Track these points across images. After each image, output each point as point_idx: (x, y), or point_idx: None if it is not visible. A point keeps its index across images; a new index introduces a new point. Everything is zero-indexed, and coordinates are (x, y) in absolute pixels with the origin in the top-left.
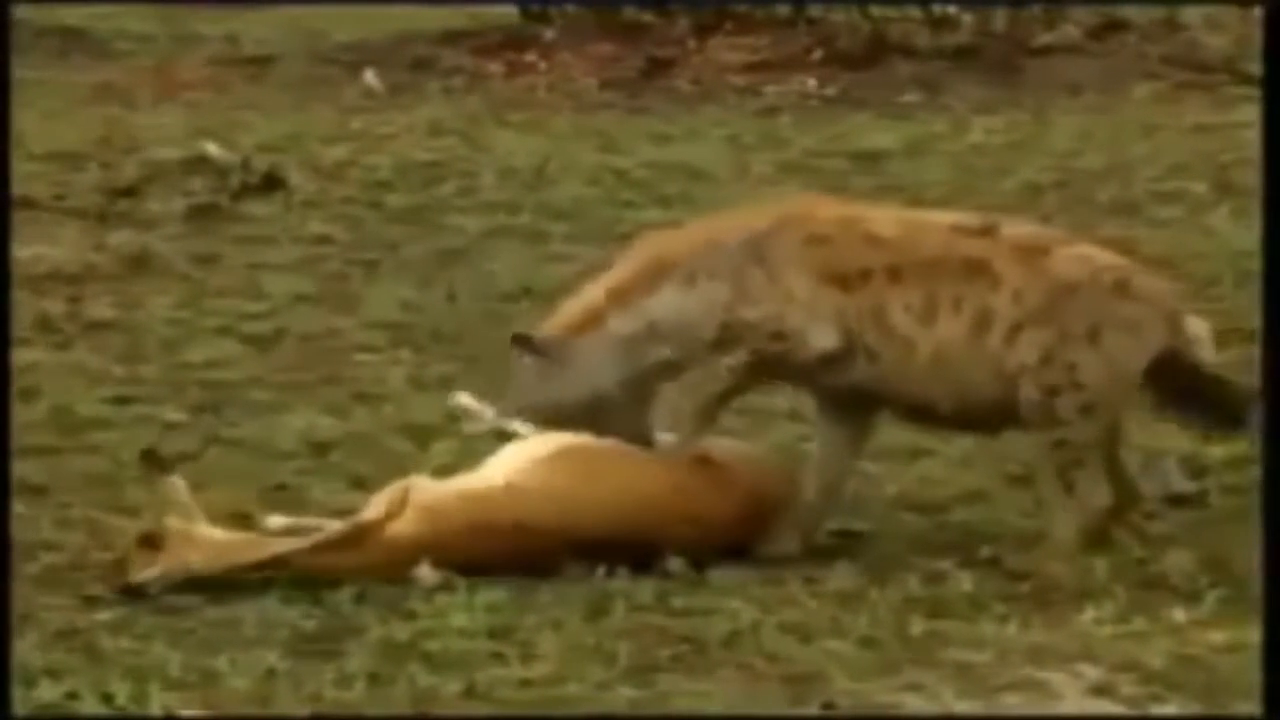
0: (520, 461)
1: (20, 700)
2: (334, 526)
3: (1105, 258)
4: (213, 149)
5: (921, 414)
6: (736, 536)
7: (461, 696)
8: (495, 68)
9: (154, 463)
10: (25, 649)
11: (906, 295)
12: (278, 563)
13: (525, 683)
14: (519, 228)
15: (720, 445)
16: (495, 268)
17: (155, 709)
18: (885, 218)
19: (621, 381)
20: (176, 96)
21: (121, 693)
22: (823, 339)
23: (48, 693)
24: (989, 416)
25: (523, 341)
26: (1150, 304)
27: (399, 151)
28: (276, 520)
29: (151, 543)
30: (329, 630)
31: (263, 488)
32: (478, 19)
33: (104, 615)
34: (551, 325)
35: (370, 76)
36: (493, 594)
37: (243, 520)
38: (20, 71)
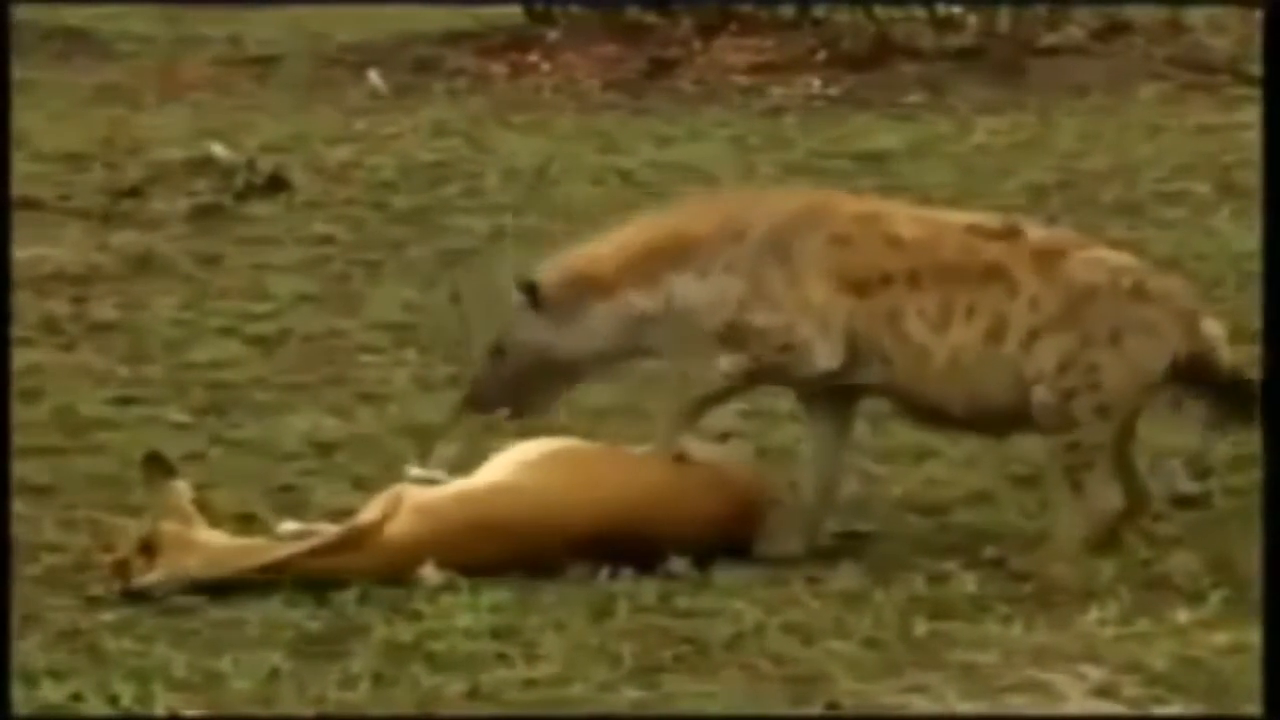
0: (516, 462)
1: (24, 701)
2: (334, 530)
3: (1121, 260)
4: (217, 149)
5: (933, 416)
6: (730, 535)
7: (466, 697)
8: (499, 68)
9: (159, 466)
10: (29, 650)
11: (923, 301)
12: (276, 567)
13: (529, 683)
14: (523, 229)
15: (699, 447)
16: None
17: (159, 710)
18: (904, 216)
19: (612, 352)
20: (180, 97)
21: (125, 693)
22: (828, 359)
23: (52, 693)
24: (1002, 419)
25: (528, 291)
26: (1168, 306)
27: (403, 152)
28: (289, 526)
29: (149, 548)
30: (333, 631)
31: (267, 489)
32: (481, 20)
33: (107, 616)
34: (559, 273)
35: (374, 77)
36: (496, 595)
37: (247, 521)
38: (24, 72)
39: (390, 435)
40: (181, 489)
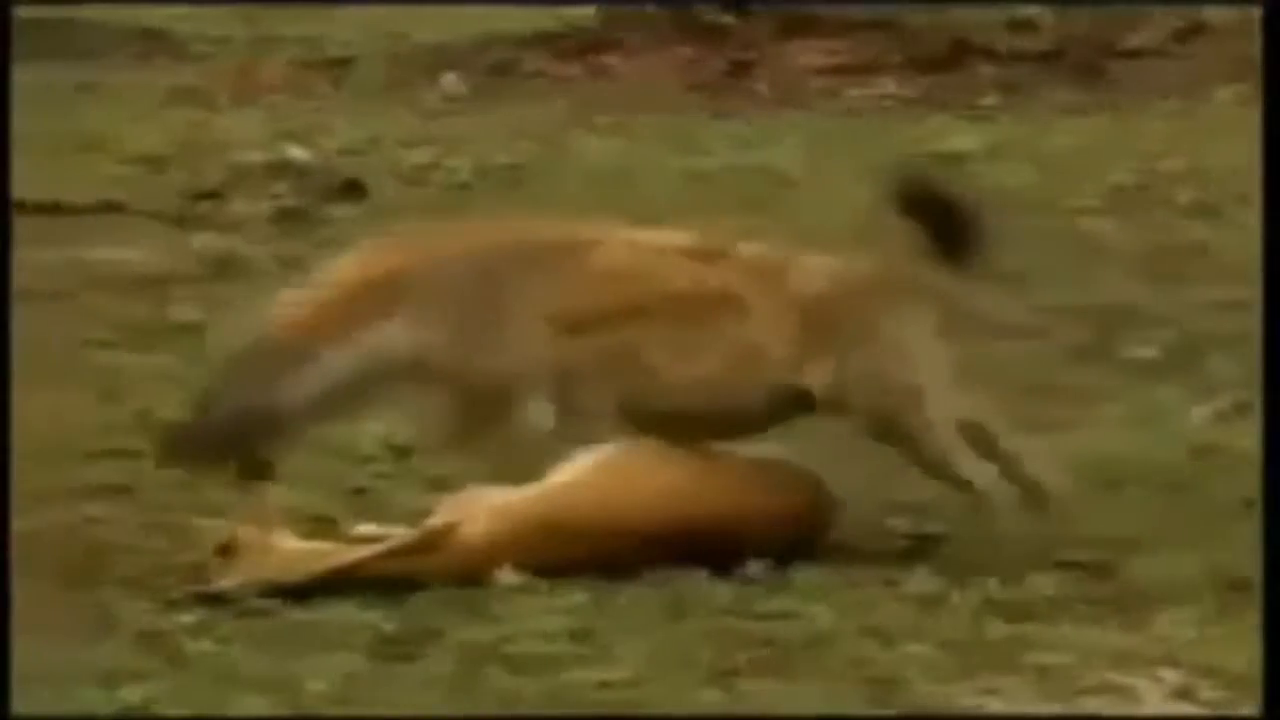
0: (592, 464)
1: (103, 702)
2: (409, 533)
3: (824, 262)
4: (295, 152)
5: (669, 428)
6: (801, 535)
7: (542, 699)
8: (576, 70)
9: (260, 468)
10: (109, 652)
11: (658, 332)
12: (352, 570)
13: (606, 685)
14: None
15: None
16: None
17: (236, 712)
18: (617, 242)
19: (328, 411)
20: (258, 99)
21: (203, 695)
22: (541, 405)
23: (130, 695)
24: (751, 427)
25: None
26: (891, 288)
27: (480, 154)
28: (364, 528)
29: (228, 552)
30: (410, 633)
31: (343, 491)
32: (559, 21)
33: (186, 618)
34: (259, 336)
35: (451, 79)
36: (573, 596)
37: (323, 524)
38: (101, 74)
39: None
40: (272, 493)
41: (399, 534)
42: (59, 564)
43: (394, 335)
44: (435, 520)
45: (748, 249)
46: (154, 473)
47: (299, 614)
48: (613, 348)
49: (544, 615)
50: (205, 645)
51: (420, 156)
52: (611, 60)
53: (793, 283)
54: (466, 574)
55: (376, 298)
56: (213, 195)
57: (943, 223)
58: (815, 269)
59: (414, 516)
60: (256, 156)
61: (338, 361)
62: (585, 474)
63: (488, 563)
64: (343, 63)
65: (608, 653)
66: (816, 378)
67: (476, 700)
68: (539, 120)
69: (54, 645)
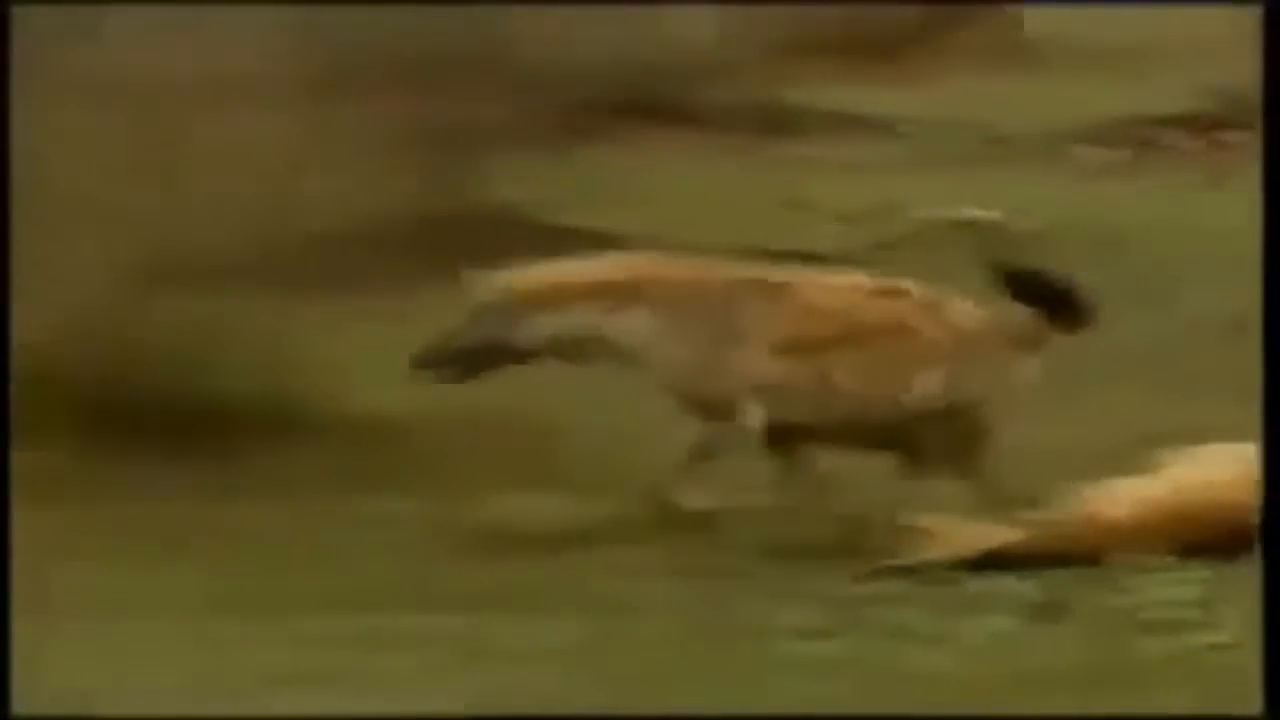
0: (1211, 458)
1: (802, 653)
2: (1065, 517)
3: (980, 309)
4: (968, 212)
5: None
6: None
7: (1162, 661)
8: (1202, 145)
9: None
10: (801, 615)
11: (851, 358)
12: (1016, 548)
13: (1215, 648)
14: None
15: None
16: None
17: (897, 661)
18: (807, 284)
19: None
20: (941, 169)
21: (874, 650)
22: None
23: (818, 649)
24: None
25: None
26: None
27: (1120, 215)
28: (1029, 514)
29: (920, 534)
30: (1052, 602)
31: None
32: (1196, 103)
33: (869, 589)
34: (524, 283)
35: (1098, 152)
36: (1197, 572)
37: (988, 512)
38: (809, 150)
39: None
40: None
41: (1056, 518)
42: (762, 542)
43: (629, 326)
44: (1086, 507)
45: (914, 287)
46: (847, 470)
47: (973, 584)
48: (811, 371)
49: (1171, 588)
50: (881, 610)
51: (1070, 217)
52: (1234, 136)
53: (951, 317)
54: (1108, 551)
55: (617, 291)
56: (894, 246)
57: (1051, 300)
58: (968, 310)
59: (1065, 508)
60: (934, 214)
61: (566, 323)
62: (1208, 469)
63: (1127, 543)
64: (1008, 138)
65: (1219, 619)
66: (919, 389)
67: (1105, 660)
68: (1170, 187)
69: (752, 609)
